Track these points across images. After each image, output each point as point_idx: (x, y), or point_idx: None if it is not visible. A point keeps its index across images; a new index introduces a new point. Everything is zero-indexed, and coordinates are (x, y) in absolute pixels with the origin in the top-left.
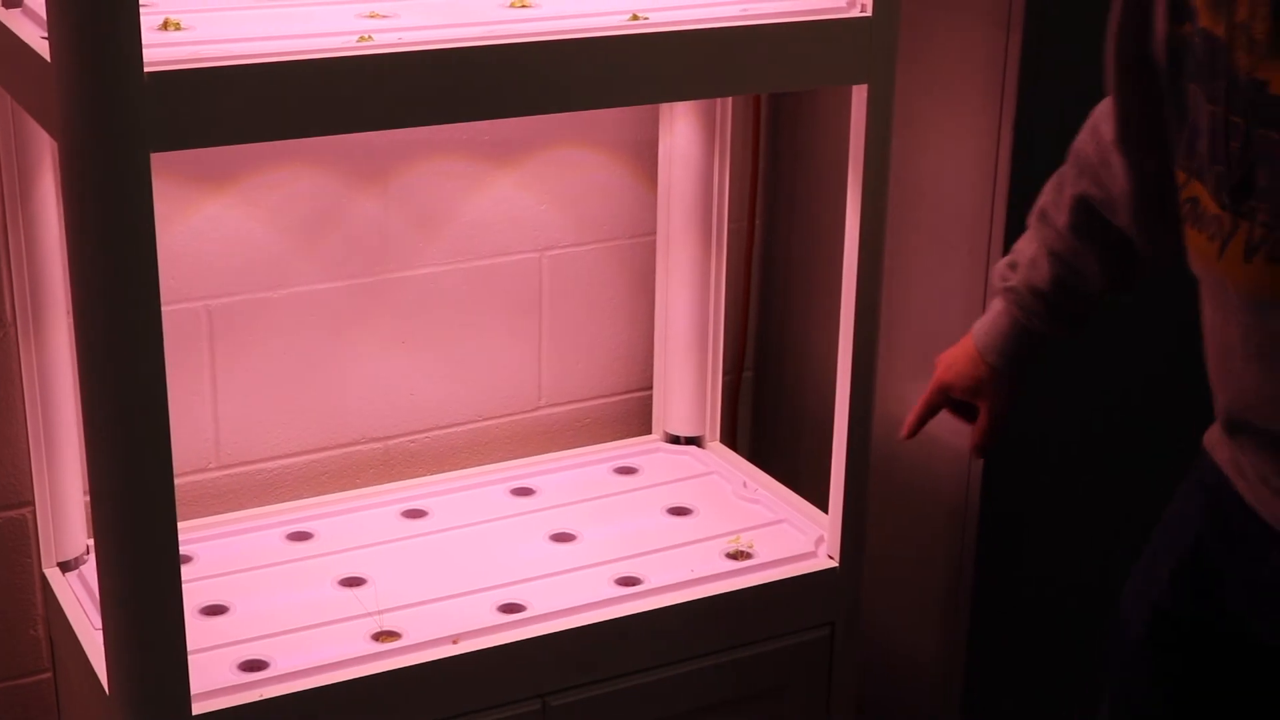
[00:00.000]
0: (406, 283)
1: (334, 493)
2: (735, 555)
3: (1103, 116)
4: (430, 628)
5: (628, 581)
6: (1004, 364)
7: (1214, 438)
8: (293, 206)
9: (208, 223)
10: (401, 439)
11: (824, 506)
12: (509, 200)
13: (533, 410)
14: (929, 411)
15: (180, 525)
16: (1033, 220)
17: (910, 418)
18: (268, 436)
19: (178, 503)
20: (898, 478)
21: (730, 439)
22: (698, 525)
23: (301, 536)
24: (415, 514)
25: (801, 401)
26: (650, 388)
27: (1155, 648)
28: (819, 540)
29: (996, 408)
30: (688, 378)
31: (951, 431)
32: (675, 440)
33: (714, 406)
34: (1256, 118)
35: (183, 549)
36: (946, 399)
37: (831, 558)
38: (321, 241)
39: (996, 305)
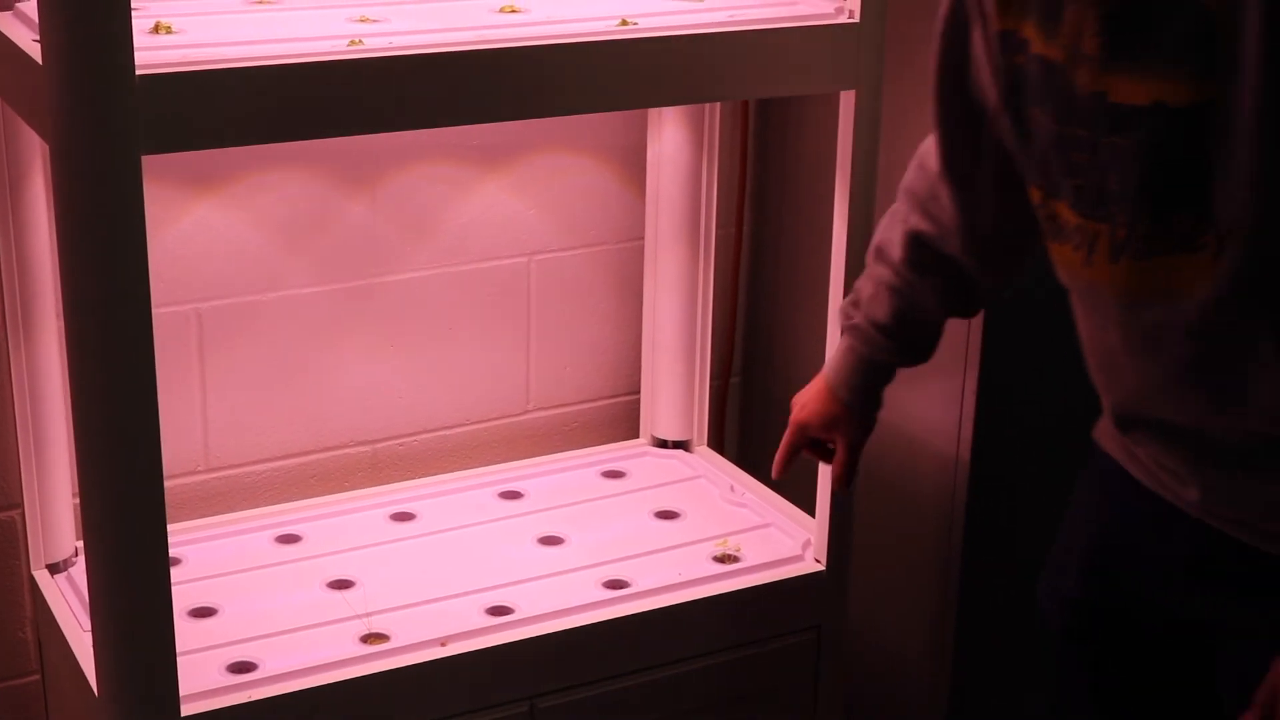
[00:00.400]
0: (395, 287)
1: (322, 495)
2: (722, 559)
3: (927, 152)
4: (419, 630)
5: (616, 585)
6: (854, 398)
7: (1104, 431)
8: (282, 210)
9: (197, 226)
10: (390, 442)
11: (811, 510)
12: (497, 205)
13: (521, 414)
14: (791, 452)
15: (169, 528)
16: (870, 257)
17: (776, 460)
18: (257, 439)
19: (167, 505)
20: (884, 481)
21: (718, 443)
22: (685, 529)
23: (290, 539)
24: (403, 517)
25: (789, 406)
26: (638, 392)
27: (1073, 640)
28: (806, 544)
29: (852, 441)
30: (675, 382)
31: (937, 435)
32: (663, 444)
33: (701, 411)
34: (1101, 127)
35: (172, 551)
36: (805, 438)
37: (818, 561)
38: (311, 245)
39: (843, 343)
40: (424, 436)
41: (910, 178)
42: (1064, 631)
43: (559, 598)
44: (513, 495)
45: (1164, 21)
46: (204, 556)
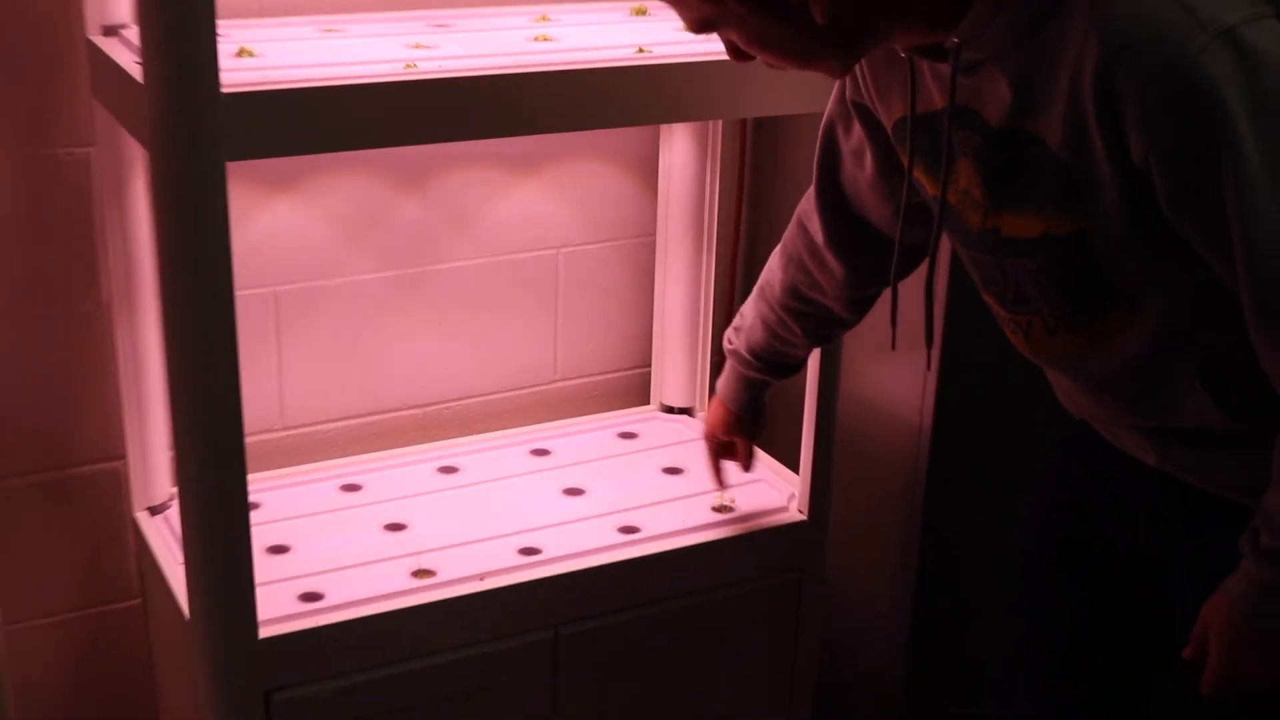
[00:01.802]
0: (443, 274)
1: (380, 451)
2: (719, 509)
3: (808, 214)
4: (461, 567)
5: (628, 530)
6: (740, 407)
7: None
8: (346, 207)
9: (275, 220)
10: (438, 406)
11: (795, 468)
12: (530, 204)
13: (549, 383)
14: (714, 459)
15: (250, 477)
16: (755, 290)
17: (710, 475)
18: (324, 402)
19: (247, 458)
20: (858, 445)
21: None
22: (688, 483)
23: (352, 488)
24: (449, 470)
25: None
26: (649, 365)
27: (1051, 572)
28: (790, 497)
29: (746, 438)
30: (681, 357)
31: (904, 405)
32: (670, 410)
33: (703, 382)
34: (1003, 254)
35: (251, 497)
36: (717, 443)
37: (801, 512)
38: (370, 237)
39: (728, 364)
40: (467, 401)
41: (791, 235)
42: (1044, 565)
43: (580, 541)
44: (542, 452)
45: (1036, 177)
46: (279, 502)
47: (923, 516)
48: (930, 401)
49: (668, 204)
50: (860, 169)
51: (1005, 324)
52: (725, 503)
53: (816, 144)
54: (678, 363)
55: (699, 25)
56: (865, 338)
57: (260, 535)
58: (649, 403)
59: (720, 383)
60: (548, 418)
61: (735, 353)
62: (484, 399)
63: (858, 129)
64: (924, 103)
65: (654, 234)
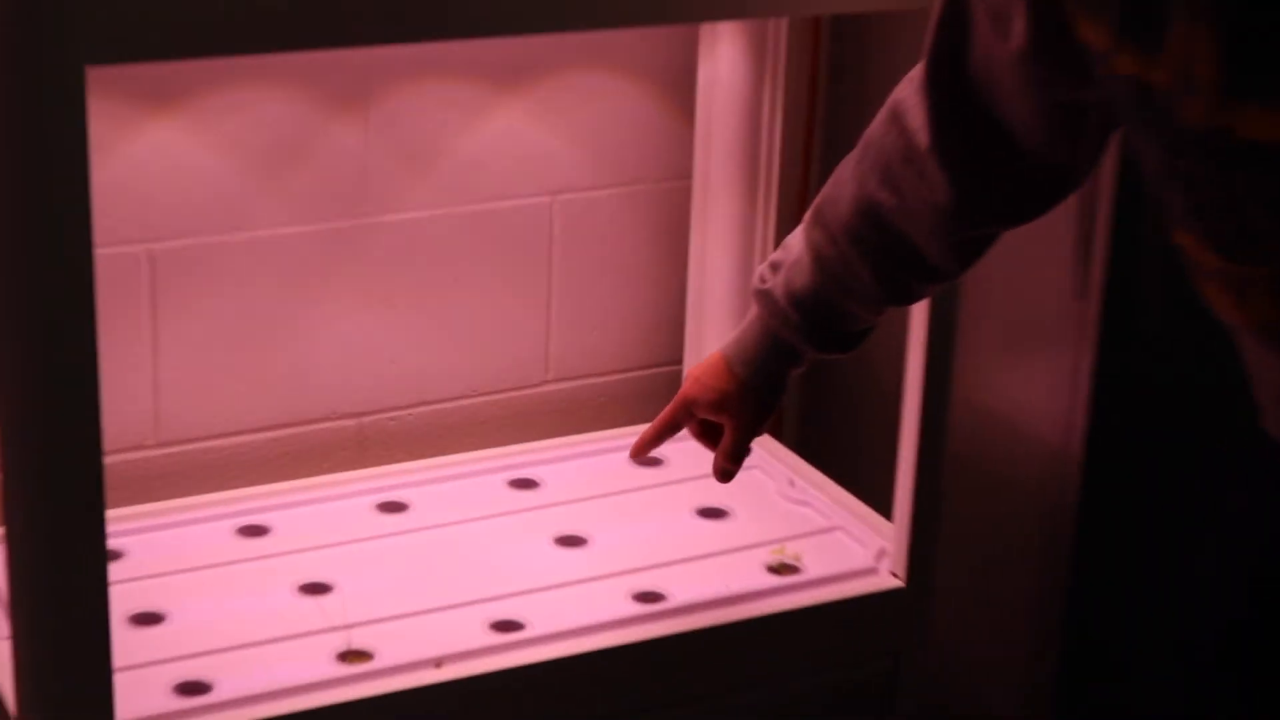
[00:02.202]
0: (389, 229)
1: (296, 479)
2: (779, 569)
3: (908, 109)
4: (409, 647)
5: (648, 597)
6: (752, 376)
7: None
8: (255, 135)
9: (152, 151)
10: (379, 416)
11: (888, 512)
12: (515, 133)
13: (538, 385)
14: (667, 430)
15: (109, 514)
16: (807, 217)
17: (643, 434)
18: (218, 410)
19: (107, 487)
20: (979, 479)
21: (775, 426)
22: (734, 531)
23: (255, 531)
24: (393, 507)
25: (862, 383)
26: (680, 362)
27: (1229, 670)
28: (880, 553)
29: (742, 425)
30: None
31: (1044, 423)
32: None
33: None
34: (1234, 166)
35: (111, 542)
36: (690, 416)
37: (896, 575)
38: (288, 177)
39: (751, 310)
40: (420, 410)
41: (877, 133)
42: (1219, 660)
43: (579, 612)
44: (525, 484)
45: None
46: (150, 550)
47: (1069, 580)
48: (1081, 416)
49: (708, 135)
50: (1001, 38)
51: (1209, 279)
52: (787, 560)
53: (931, 25)
54: None
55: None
56: (989, 324)
57: (122, 597)
58: None
59: (731, 337)
60: (535, 435)
61: (767, 294)
62: (444, 406)
63: None
64: None
65: (688, 176)
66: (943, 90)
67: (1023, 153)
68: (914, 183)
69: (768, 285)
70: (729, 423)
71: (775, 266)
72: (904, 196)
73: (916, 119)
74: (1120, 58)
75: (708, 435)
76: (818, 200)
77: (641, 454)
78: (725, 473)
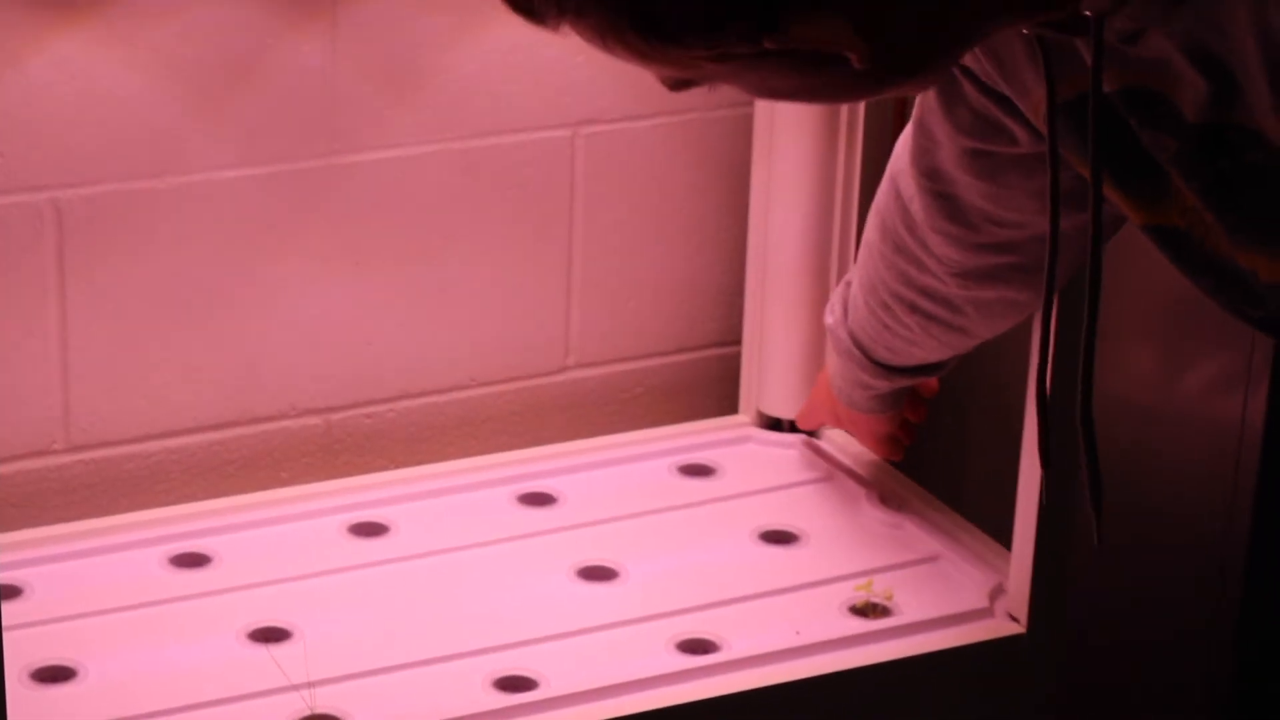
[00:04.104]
0: (363, 171)
1: (245, 493)
2: (864, 610)
3: (903, 179)
4: (388, 712)
5: (696, 647)
6: (852, 406)
7: None
8: (190, 50)
9: (57, 71)
10: (351, 412)
11: (1005, 538)
12: (525, 49)
13: (556, 373)
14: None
15: (3, 539)
16: (863, 241)
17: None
18: (144, 405)
19: (0, 503)
20: (1122, 497)
21: None
22: (806, 561)
23: (193, 561)
24: (369, 529)
25: (970, 373)
26: (738, 342)
27: None
28: (996, 590)
29: (872, 436)
30: (796, 330)
31: (1207, 432)
32: (775, 425)
33: None
34: (1271, 300)
35: (5, 576)
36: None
37: (1015, 619)
38: (233, 105)
39: (830, 343)
40: (404, 405)
41: (883, 201)
42: None
43: (608, 665)
44: (539, 499)
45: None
46: (57, 586)
47: (1238, 627)
48: (1258, 416)
49: None
50: (1001, 143)
51: None
52: (876, 599)
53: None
54: (790, 340)
55: (674, 84)
56: (1137, 299)
57: (21, 647)
58: (736, 410)
59: (832, 379)
60: (552, 437)
61: (832, 332)
62: (435, 400)
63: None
64: (1072, 87)
65: (749, 103)
66: (926, 176)
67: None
68: (921, 251)
69: (831, 322)
70: (863, 443)
71: (847, 289)
72: (922, 266)
73: (908, 188)
74: (1134, 213)
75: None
76: (865, 236)
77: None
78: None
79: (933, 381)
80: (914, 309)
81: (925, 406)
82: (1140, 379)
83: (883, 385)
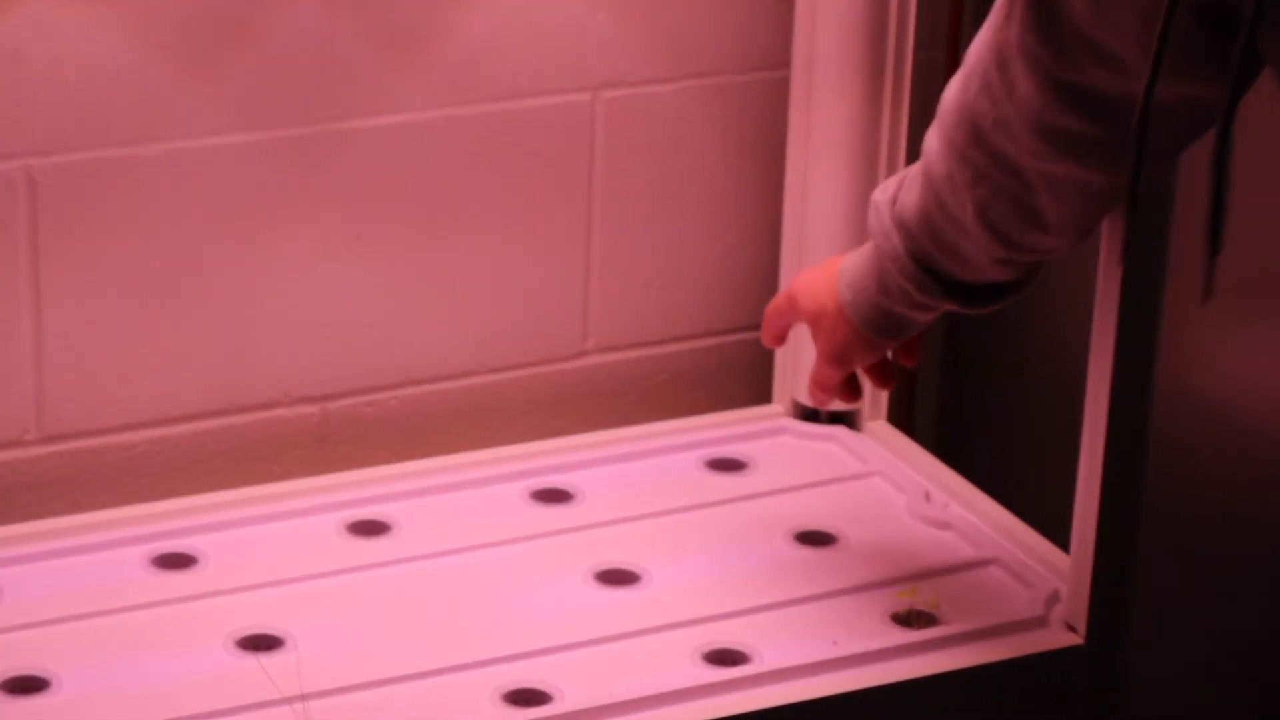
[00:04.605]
0: (364, 138)
1: (234, 489)
2: (909, 618)
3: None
4: None
5: (724, 658)
6: (851, 302)
7: None
8: (174, 6)
9: (30, 29)
10: (350, 401)
11: (1062, 540)
12: (539, 5)
13: (573, 358)
14: (776, 319)
15: None
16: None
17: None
18: (124, 392)
19: None
20: (1190, 493)
21: (904, 417)
22: (845, 565)
23: (177, 562)
24: (369, 528)
25: (1023, 358)
26: None
27: None
28: (1052, 597)
29: (832, 355)
30: None
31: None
32: (811, 416)
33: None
34: None
35: None
36: (794, 314)
37: (1073, 628)
38: (222, 65)
39: (872, 231)
40: (407, 393)
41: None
42: None
43: (630, 677)
44: (554, 496)
45: None
46: (30, 589)
47: None
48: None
49: (813, 7)
50: None
51: None
52: (921, 606)
53: None
54: None
55: None
56: (1221, 283)
57: None
58: (769, 400)
59: (850, 256)
60: (569, 429)
61: (874, 206)
62: (441, 388)
63: None
64: None
65: (786, 65)
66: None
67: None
68: (1002, 91)
69: (882, 199)
70: (818, 347)
71: (903, 176)
72: (997, 102)
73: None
74: None
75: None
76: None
77: (773, 338)
78: (814, 398)
79: (914, 348)
80: (979, 179)
81: (917, 357)
82: (1215, 376)
83: (898, 300)
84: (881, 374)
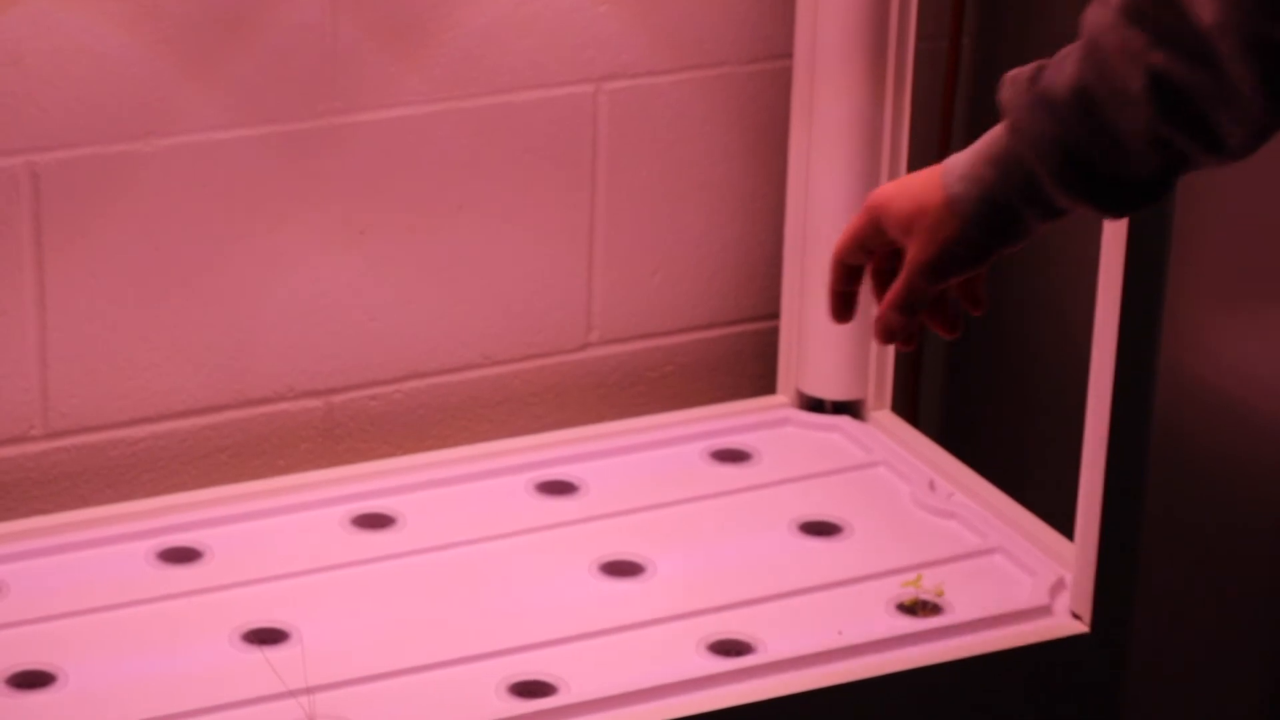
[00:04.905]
0: (366, 132)
1: (239, 483)
2: (913, 608)
3: None
4: (394, 719)
5: (730, 648)
6: (964, 195)
7: None
8: (178, 2)
9: (33, 25)
10: (354, 394)
11: (1066, 528)
12: None
13: (577, 350)
14: (854, 252)
15: None
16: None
17: (832, 264)
18: (129, 387)
19: None
20: (1194, 479)
21: (908, 407)
22: (850, 554)
23: (182, 556)
24: (374, 521)
25: (1027, 347)
26: (776, 316)
27: None
28: (1057, 585)
29: (926, 264)
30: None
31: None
32: (816, 406)
33: (881, 353)
34: None
35: None
36: (877, 235)
37: (1078, 616)
38: (224, 60)
39: (1005, 116)
40: (411, 385)
41: None
42: None
43: (634, 668)
44: (559, 488)
45: None
46: (36, 583)
47: None
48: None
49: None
50: None
51: None
52: (926, 595)
53: None
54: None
55: None
56: (1210, 268)
57: None
58: (774, 390)
59: (958, 155)
60: (573, 420)
61: (1017, 88)
62: (445, 381)
63: None
64: None
65: (788, 55)
66: None
67: None
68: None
69: (1015, 73)
70: (911, 253)
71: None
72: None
73: None
74: None
75: (887, 278)
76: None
77: (841, 313)
78: (886, 329)
79: (980, 292)
80: (1159, 41)
81: (984, 303)
82: (1217, 364)
83: (1020, 192)
84: (950, 317)
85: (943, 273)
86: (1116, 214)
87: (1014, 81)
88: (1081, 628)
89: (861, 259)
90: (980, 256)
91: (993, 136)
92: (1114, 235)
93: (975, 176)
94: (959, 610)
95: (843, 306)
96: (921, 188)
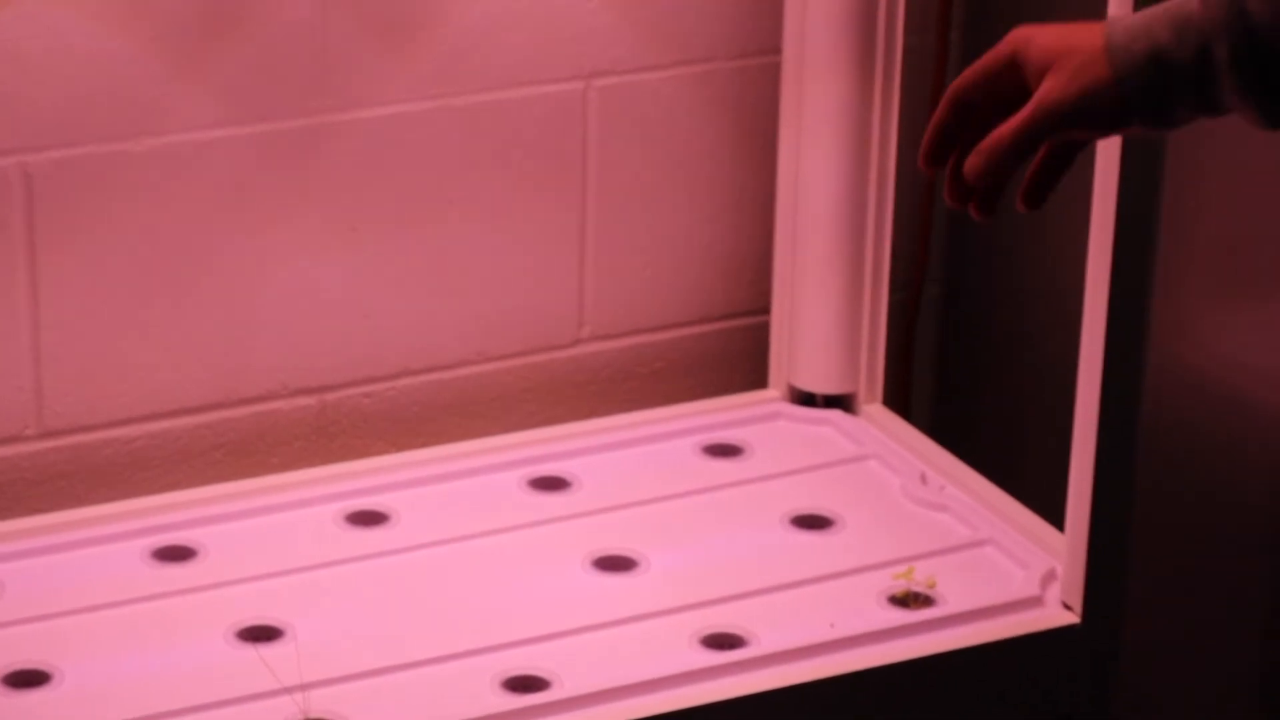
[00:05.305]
0: (358, 130)
1: (232, 481)
2: (905, 600)
3: None
4: (387, 715)
5: (722, 642)
6: (1124, 58)
7: None
8: (169, 1)
9: (25, 24)
10: (348, 391)
11: (1057, 520)
12: None
13: (569, 346)
14: (981, 78)
15: None
16: None
17: (939, 110)
18: (122, 386)
19: None
20: (1185, 469)
21: (900, 400)
22: (842, 547)
23: (176, 554)
24: (367, 518)
25: (1018, 340)
26: (766, 311)
27: None
28: (1048, 576)
29: (1061, 104)
30: (829, 296)
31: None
32: (807, 400)
33: (875, 346)
34: None
35: None
36: (1013, 68)
37: (1069, 607)
38: (215, 59)
39: None
40: (405, 383)
41: None
42: None
43: (627, 663)
44: (551, 484)
45: None
46: (31, 583)
47: None
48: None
49: None
50: None
51: None
52: (917, 587)
53: None
54: (823, 307)
55: None
56: (1201, 256)
57: None
58: (765, 385)
59: (1127, 14)
60: (565, 416)
61: None
62: (437, 378)
63: None
64: None
65: (777, 52)
66: None
67: None
68: None
69: None
70: (1045, 89)
71: None
72: None
73: None
74: None
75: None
76: None
77: (940, 141)
78: (987, 163)
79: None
80: None
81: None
82: (1207, 353)
83: (1189, 67)
84: (1045, 184)
85: (1072, 119)
86: (1273, 123)
87: None
88: (1072, 618)
89: (978, 99)
90: (1115, 119)
91: (1179, 2)
92: (1102, 225)
93: (1147, 33)
94: (951, 602)
95: (941, 145)
96: (1075, 30)
